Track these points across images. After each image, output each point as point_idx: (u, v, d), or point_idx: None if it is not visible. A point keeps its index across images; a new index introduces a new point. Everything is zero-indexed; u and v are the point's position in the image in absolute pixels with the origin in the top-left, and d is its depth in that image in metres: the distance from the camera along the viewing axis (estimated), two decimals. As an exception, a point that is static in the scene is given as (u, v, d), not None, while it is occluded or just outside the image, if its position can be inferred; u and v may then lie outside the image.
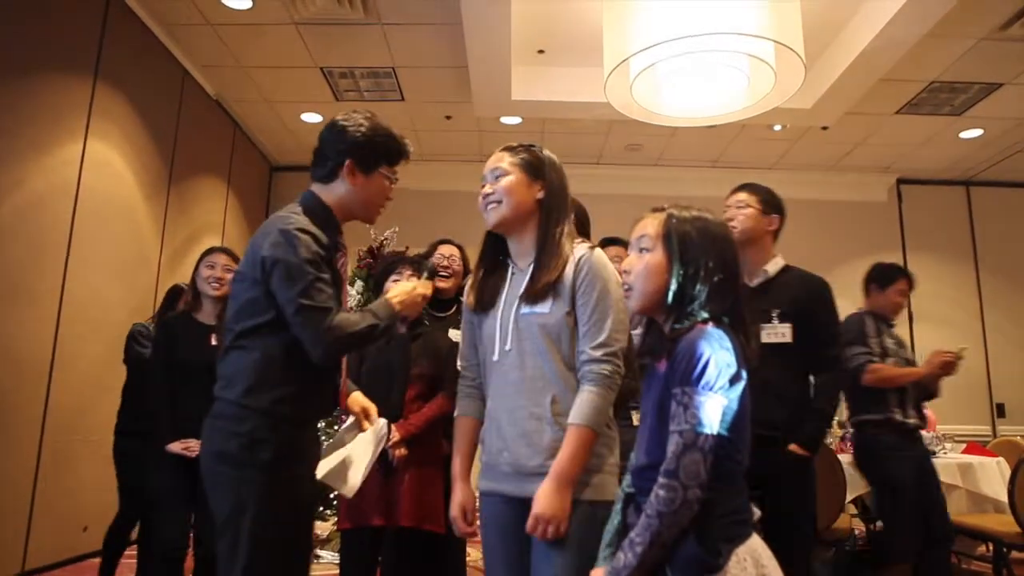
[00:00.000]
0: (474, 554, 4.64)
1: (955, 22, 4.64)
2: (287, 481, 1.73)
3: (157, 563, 2.82)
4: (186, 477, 2.75)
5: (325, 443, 2.13)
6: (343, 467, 2.12)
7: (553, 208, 1.71)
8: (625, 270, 1.43)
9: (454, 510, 1.74)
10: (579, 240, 1.73)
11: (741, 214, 2.55)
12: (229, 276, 2.93)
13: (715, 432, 1.24)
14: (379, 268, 2.78)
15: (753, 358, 1.36)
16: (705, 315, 1.31)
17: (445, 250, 3.11)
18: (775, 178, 7.90)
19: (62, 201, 4.25)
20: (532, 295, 1.64)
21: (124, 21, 4.74)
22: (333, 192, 1.87)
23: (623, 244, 2.81)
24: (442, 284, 2.96)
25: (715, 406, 1.25)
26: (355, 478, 2.11)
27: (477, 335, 1.78)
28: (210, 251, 3.04)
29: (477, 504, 1.76)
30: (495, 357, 1.68)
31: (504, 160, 1.74)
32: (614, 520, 1.38)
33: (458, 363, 1.85)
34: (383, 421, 2.28)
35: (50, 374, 4.14)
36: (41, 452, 4.06)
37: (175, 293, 3.52)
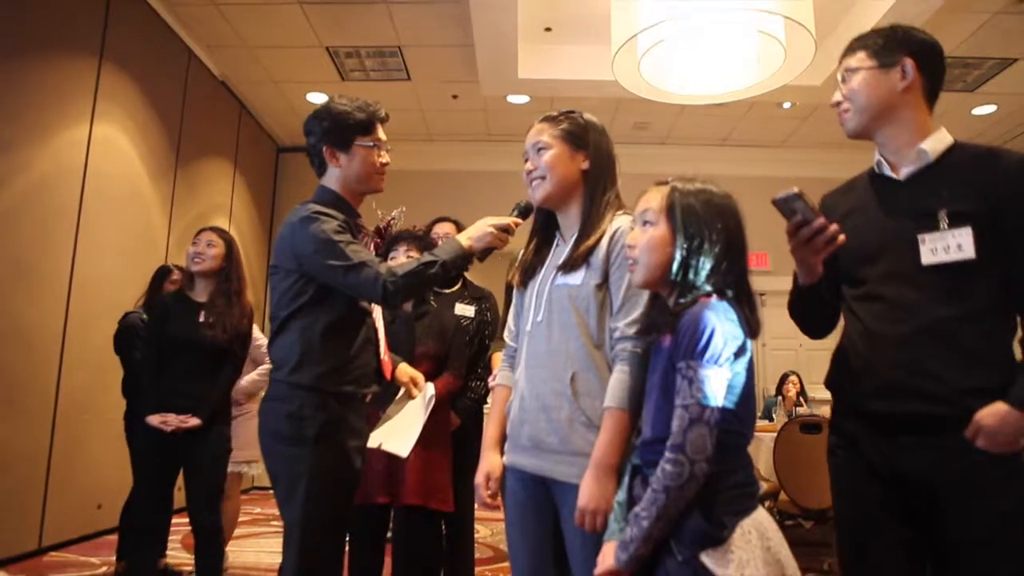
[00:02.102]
0: (483, 531, 4.69)
1: (968, -4, 4.58)
2: (334, 454, 1.86)
3: (136, 536, 2.92)
4: (164, 451, 2.83)
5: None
6: (397, 432, 2.24)
7: (599, 177, 1.65)
8: (629, 244, 1.42)
9: (478, 477, 1.71)
10: (622, 212, 1.65)
11: (850, 86, 1.61)
12: (210, 251, 2.97)
13: (720, 405, 1.24)
14: (383, 247, 2.78)
15: (758, 330, 1.34)
16: (708, 288, 1.31)
17: (440, 228, 3.11)
18: (785, 156, 7.88)
19: (70, 183, 4.26)
20: (568, 264, 1.60)
21: (128, 2, 4.72)
22: (332, 180, 2.00)
23: None
24: None
25: (720, 379, 1.24)
26: (409, 440, 2.22)
27: (519, 305, 1.76)
28: (200, 231, 3.09)
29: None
30: (528, 327, 1.66)
31: (545, 133, 1.68)
32: (621, 494, 1.39)
33: (505, 334, 1.83)
34: (430, 385, 2.36)
35: (61, 354, 4.17)
36: (54, 431, 4.11)
37: (162, 274, 3.61)
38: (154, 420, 2.79)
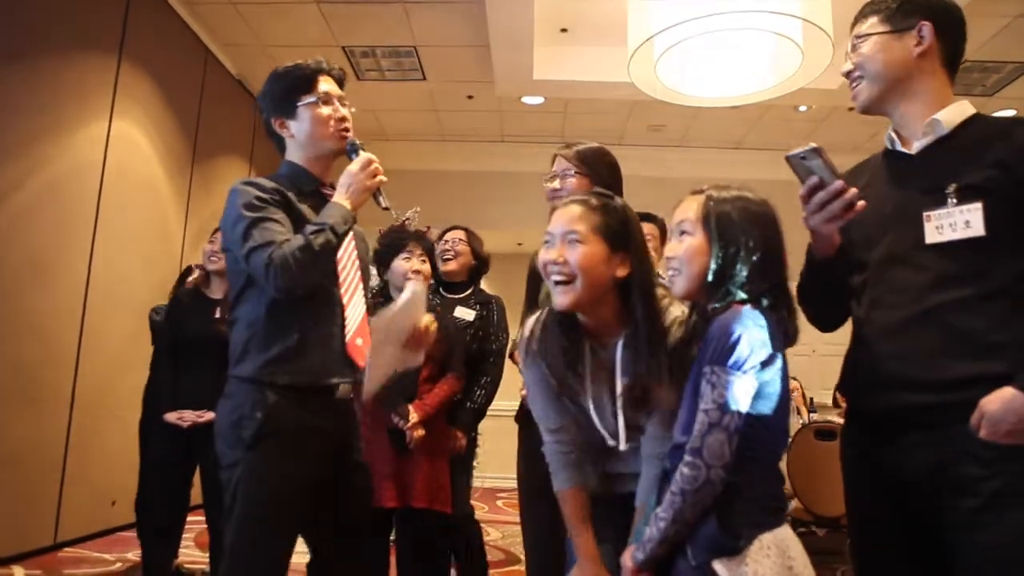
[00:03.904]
0: (494, 534, 4.69)
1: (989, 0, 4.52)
2: (273, 460, 1.61)
3: (148, 535, 2.94)
4: (181, 449, 2.85)
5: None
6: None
7: (643, 285, 1.44)
8: (669, 256, 1.39)
9: None
10: (666, 299, 1.49)
11: (861, 53, 1.47)
12: None
13: (742, 412, 1.23)
14: (383, 244, 2.70)
15: (795, 338, 1.32)
16: (743, 295, 1.30)
17: (449, 235, 3.12)
18: (800, 159, 7.79)
19: (88, 179, 4.29)
20: (636, 408, 1.46)
21: (147, 0, 4.76)
22: (290, 152, 1.84)
23: (653, 221, 2.78)
24: (449, 267, 2.98)
25: (744, 386, 1.23)
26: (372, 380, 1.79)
27: (565, 410, 1.54)
28: (216, 230, 3.09)
29: None
30: (621, 449, 1.50)
31: (579, 222, 1.42)
32: (652, 500, 1.38)
33: (543, 428, 1.57)
34: (410, 284, 2.02)
35: (78, 350, 4.21)
36: (70, 427, 4.14)
37: (188, 273, 3.62)
38: (171, 417, 2.82)
